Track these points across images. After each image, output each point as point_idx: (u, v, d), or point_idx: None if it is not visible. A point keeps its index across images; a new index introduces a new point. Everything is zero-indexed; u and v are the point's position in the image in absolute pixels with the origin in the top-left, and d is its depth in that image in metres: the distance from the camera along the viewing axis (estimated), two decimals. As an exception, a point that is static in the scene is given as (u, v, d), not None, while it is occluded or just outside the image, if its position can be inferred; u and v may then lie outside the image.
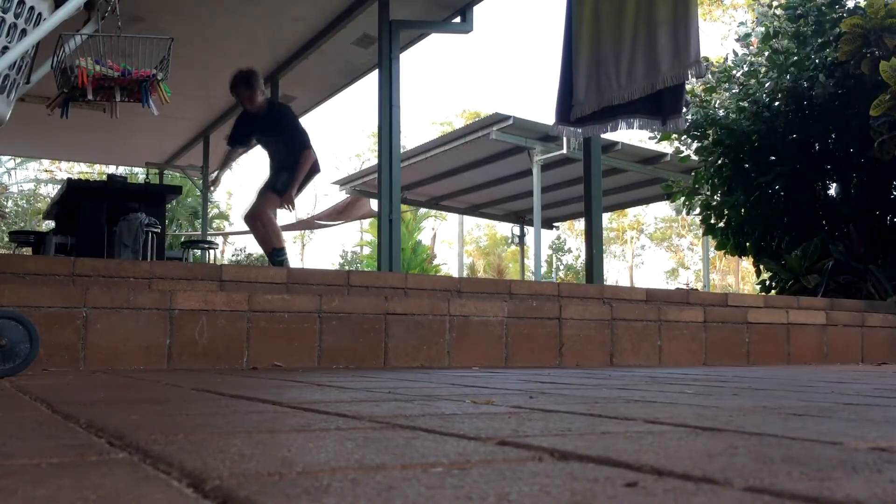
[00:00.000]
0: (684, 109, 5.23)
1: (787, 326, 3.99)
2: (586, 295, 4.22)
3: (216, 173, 6.44)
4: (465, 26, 7.45)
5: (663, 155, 10.70)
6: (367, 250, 28.97)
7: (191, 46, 8.01)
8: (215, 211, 29.12)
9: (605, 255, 7.20)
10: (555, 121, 5.34)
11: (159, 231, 7.35)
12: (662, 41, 4.67)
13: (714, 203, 7.52)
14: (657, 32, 4.70)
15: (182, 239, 18.94)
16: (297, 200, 6.00)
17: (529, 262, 16.49)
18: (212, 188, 6.54)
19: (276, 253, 5.83)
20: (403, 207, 13.67)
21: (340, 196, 16.70)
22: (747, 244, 7.27)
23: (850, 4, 6.80)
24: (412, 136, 47.01)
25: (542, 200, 11.54)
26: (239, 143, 6.21)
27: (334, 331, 2.96)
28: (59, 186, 8.13)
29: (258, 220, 5.94)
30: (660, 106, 4.85)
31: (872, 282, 6.00)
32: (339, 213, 17.48)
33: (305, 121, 7.06)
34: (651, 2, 4.76)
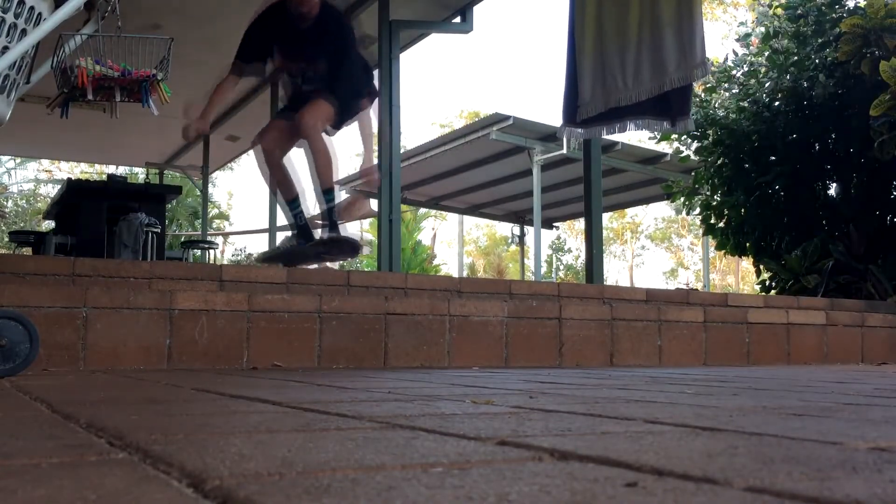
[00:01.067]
0: (692, 110, 5.22)
1: (787, 326, 3.99)
2: (586, 295, 4.22)
3: (204, 111, 4.01)
4: (465, 26, 7.45)
5: (663, 155, 10.71)
6: (367, 250, 28.96)
7: (191, 46, 8.01)
8: (215, 211, 29.12)
9: (605, 255, 7.20)
10: (562, 122, 5.33)
11: (159, 231, 7.36)
12: (668, 42, 4.67)
13: (714, 203, 7.52)
14: (662, 33, 4.70)
15: (182, 239, 18.95)
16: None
17: (529, 262, 16.50)
18: (195, 132, 4.02)
19: (327, 195, 3.90)
20: (403, 207, 13.68)
21: (340, 196, 16.70)
22: (747, 244, 7.27)
23: (850, 4, 6.80)
24: (412, 136, 47.04)
25: (542, 200, 11.55)
26: (254, 57, 3.99)
27: (334, 331, 2.96)
28: (59, 186, 8.13)
29: (303, 136, 3.77)
30: (667, 107, 4.85)
31: (872, 282, 6.00)
32: (339, 214, 17.46)
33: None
34: (655, 3, 4.76)
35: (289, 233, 4.30)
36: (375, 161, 4.13)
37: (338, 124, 3.95)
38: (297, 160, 4.05)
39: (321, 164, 3.79)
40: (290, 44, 3.87)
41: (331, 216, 3.92)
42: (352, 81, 3.81)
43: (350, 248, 4.01)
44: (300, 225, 4.04)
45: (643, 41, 4.81)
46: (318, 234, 4.05)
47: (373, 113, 3.95)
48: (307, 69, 3.92)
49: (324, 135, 3.87)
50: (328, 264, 4.14)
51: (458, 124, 34.39)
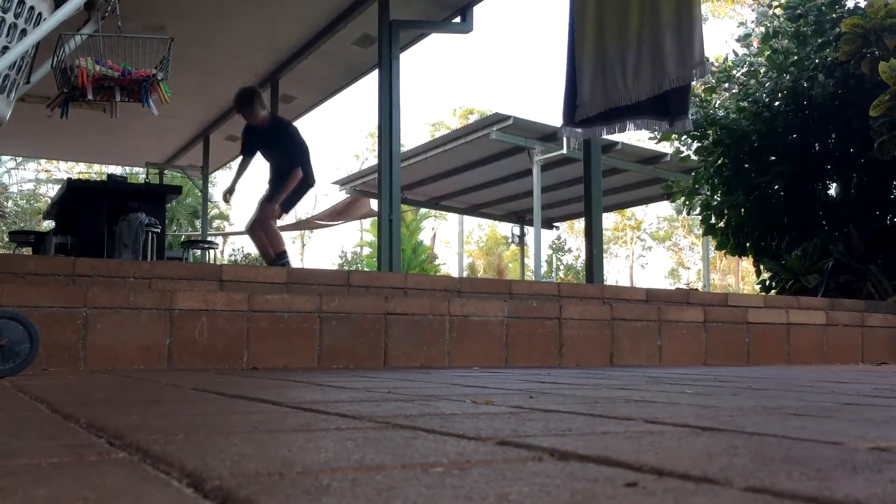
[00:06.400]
0: (690, 110, 5.22)
1: (787, 326, 3.99)
2: (586, 295, 4.22)
3: (231, 184, 6.60)
4: (465, 26, 7.45)
5: (663, 155, 10.71)
6: (367, 250, 28.98)
7: (191, 47, 8.01)
8: (215, 211, 29.13)
9: (605, 255, 7.20)
10: (562, 122, 5.33)
11: (159, 231, 7.35)
12: (668, 42, 4.67)
13: (714, 203, 7.52)
14: (662, 34, 4.70)
15: (182, 239, 18.95)
16: (289, 211, 6.46)
17: (529, 262, 16.49)
18: (229, 199, 6.68)
19: (278, 257, 6.12)
20: (403, 207, 13.68)
21: (340, 196, 16.72)
22: (747, 244, 7.27)
23: (850, 4, 6.80)
24: (410, 136, 46.92)
25: (542, 200, 11.54)
26: (249, 153, 6.46)
27: (334, 331, 2.96)
28: (59, 186, 8.13)
29: (258, 228, 6.22)
30: (666, 107, 4.85)
31: (872, 282, 6.00)
32: (339, 213, 17.49)
33: (305, 121, 6.89)
34: (655, 3, 4.76)
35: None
36: (282, 207, 6.18)
37: (271, 210, 6.13)
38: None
39: (273, 242, 6.18)
40: (259, 142, 6.31)
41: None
42: (290, 157, 6.13)
43: None
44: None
45: (643, 42, 4.81)
46: None
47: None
48: (270, 154, 6.33)
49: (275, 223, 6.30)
50: None
51: (451, 122, 34.32)
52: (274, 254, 6.15)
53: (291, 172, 6.07)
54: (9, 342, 2.09)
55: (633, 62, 4.85)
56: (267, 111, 6.35)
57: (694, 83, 7.23)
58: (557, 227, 19.27)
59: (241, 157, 6.60)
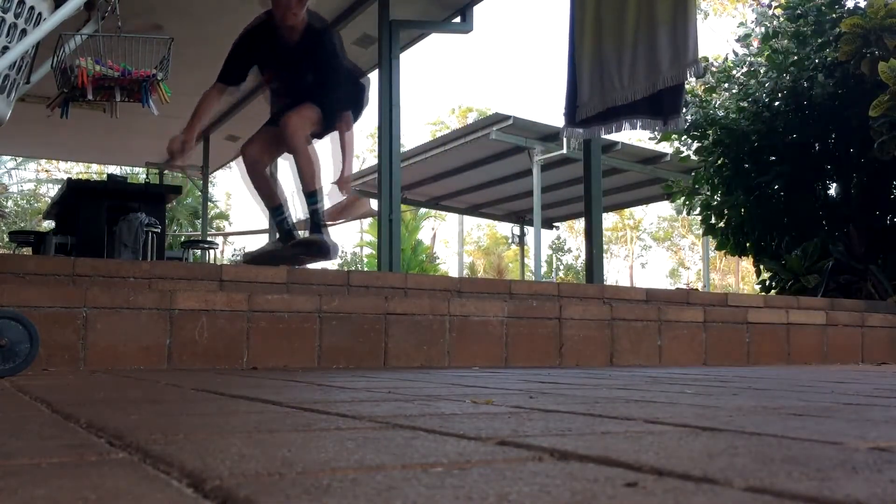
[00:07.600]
0: (684, 109, 5.23)
1: (787, 326, 3.99)
2: (586, 295, 4.22)
3: (187, 134, 3.84)
4: (465, 26, 7.46)
5: (663, 155, 10.73)
6: (367, 250, 28.98)
7: (191, 47, 8.00)
8: (215, 211, 29.13)
9: (605, 255, 7.20)
10: (564, 123, 5.36)
11: (159, 231, 7.36)
12: (662, 41, 4.69)
13: (714, 203, 7.52)
14: (657, 33, 4.72)
15: (182, 239, 18.95)
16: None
17: (529, 262, 16.48)
18: (178, 159, 3.98)
19: (310, 199, 3.92)
20: (403, 207, 13.67)
21: (340, 196, 16.72)
22: (747, 244, 7.27)
23: (850, 4, 6.81)
24: (410, 136, 46.94)
25: (542, 200, 11.56)
26: (236, 79, 4.06)
27: (334, 331, 2.96)
28: (59, 186, 8.14)
29: (287, 138, 3.79)
30: (660, 106, 4.86)
31: (872, 282, 6.00)
32: (339, 213, 17.49)
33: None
34: (651, 3, 4.77)
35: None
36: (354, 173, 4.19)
37: (322, 130, 3.97)
38: (282, 170, 4.13)
39: (304, 167, 3.84)
40: (278, 58, 3.93)
41: (314, 218, 3.96)
42: (337, 92, 3.85)
43: (318, 250, 3.97)
44: (286, 230, 4.16)
45: (639, 41, 4.82)
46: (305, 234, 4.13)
47: (355, 129, 3.97)
48: (294, 81, 3.95)
49: (309, 141, 3.94)
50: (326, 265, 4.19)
51: (450, 122, 34.29)
52: (307, 192, 3.89)
53: (342, 117, 3.83)
54: (9, 342, 2.09)
55: (629, 61, 4.87)
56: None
57: (694, 83, 7.25)
58: (557, 227, 19.28)
59: (213, 89, 4.02)
